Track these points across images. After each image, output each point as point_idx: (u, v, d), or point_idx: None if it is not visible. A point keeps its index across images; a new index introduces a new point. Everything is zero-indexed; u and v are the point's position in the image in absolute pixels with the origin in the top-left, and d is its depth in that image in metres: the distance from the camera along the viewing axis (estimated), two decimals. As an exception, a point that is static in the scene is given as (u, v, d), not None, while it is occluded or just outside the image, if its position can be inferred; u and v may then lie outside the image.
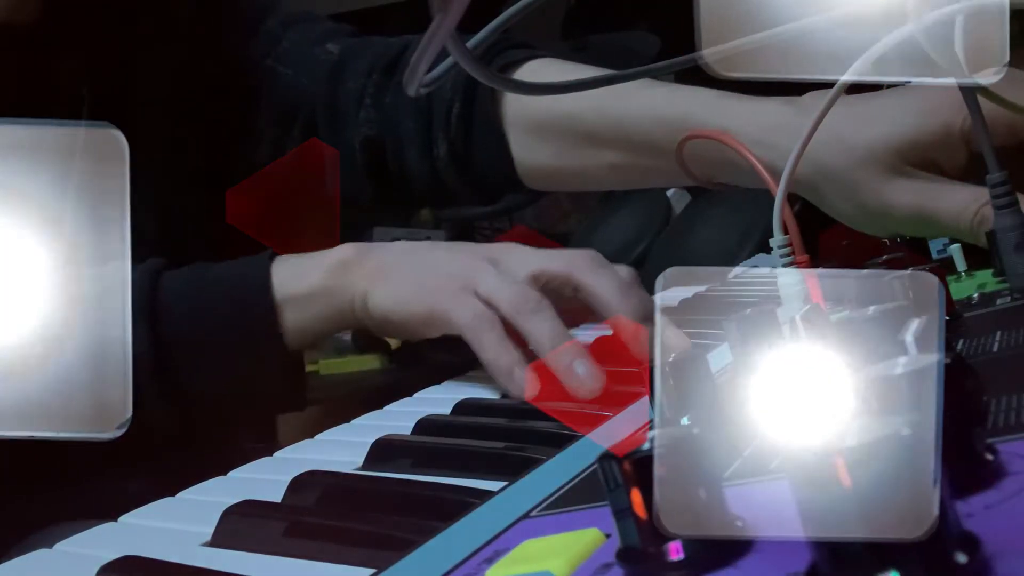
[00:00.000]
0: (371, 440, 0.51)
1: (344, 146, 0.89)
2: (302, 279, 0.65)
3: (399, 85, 0.87)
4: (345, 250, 0.66)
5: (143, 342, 0.61)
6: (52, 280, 0.58)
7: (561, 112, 0.80)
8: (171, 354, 0.64)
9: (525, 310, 0.59)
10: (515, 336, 0.60)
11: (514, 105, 0.83)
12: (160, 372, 0.63)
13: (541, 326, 0.59)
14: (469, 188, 0.88)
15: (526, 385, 0.57)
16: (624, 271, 0.65)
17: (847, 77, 0.52)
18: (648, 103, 0.75)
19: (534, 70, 0.82)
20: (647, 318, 0.60)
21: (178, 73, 0.84)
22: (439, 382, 0.66)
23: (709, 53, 0.53)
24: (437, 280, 0.62)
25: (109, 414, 0.53)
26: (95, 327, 0.58)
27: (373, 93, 0.87)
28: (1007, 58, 0.46)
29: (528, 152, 0.84)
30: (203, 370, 0.64)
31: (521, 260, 0.63)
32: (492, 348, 0.59)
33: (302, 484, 0.45)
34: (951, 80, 0.50)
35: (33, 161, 0.64)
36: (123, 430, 0.51)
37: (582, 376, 0.57)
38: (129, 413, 0.52)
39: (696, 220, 1.53)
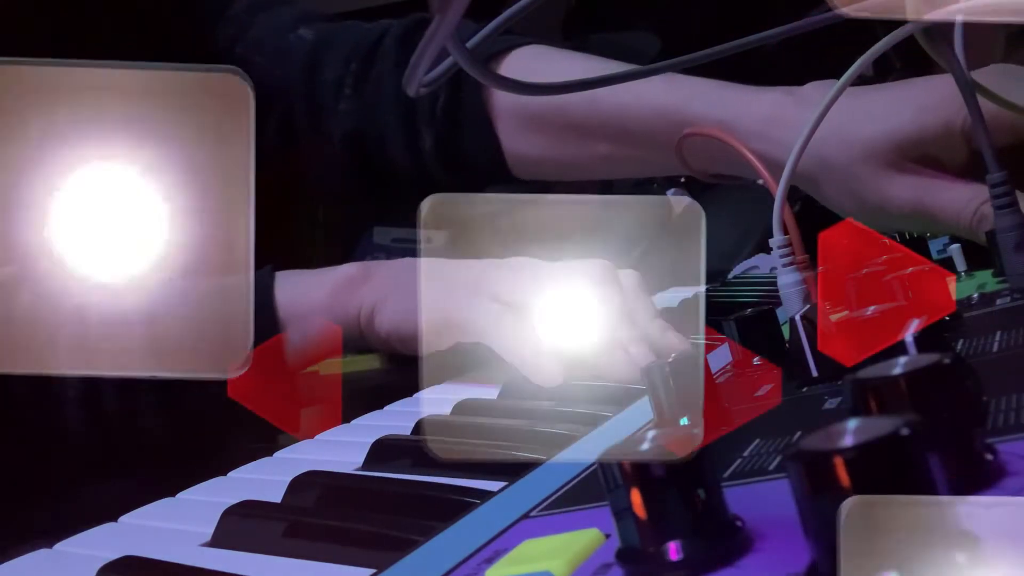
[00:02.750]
0: (371, 440, 0.51)
1: (324, 138, 0.86)
2: (305, 297, 0.65)
3: (379, 74, 0.85)
4: (349, 269, 0.65)
5: None
6: (181, 225, 0.59)
7: (552, 102, 0.78)
8: None
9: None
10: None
11: (503, 95, 0.81)
12: (159, 385, 0.63)
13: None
14: (457, 180, 0.86)
15: (553, 370, 0.57)
16: (629, 276, 0.64)
17: (849, 73, 0.52)
18: (644, 93, 0.74)
19: (523, 58, 0.80)
20: (648, 325, 0.60)
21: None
22: (439, 382, 0.66)
23: (708, 53, 0.53)
24: (449, 289, 0.62)
25: (230, 355, 0.54)
26: (220, 274, 0.59)
27: (352, 83, 0.85)
28: (1006, 58, 0.46)
29: (518, 142, 0.83)
30: (201, 385, 0.63)
31: (536, 266, 0.62)
32: (510, 340, 0.58)
33: (302, 484, 0.45)
34: (950, 80, 0.50)
35: (162, 104, 0.64)
36: (244, 369, 0.52)
37: (621, 366, 0.57)
38: (249, 351, 0.53)
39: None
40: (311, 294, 0.65)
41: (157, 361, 0.58)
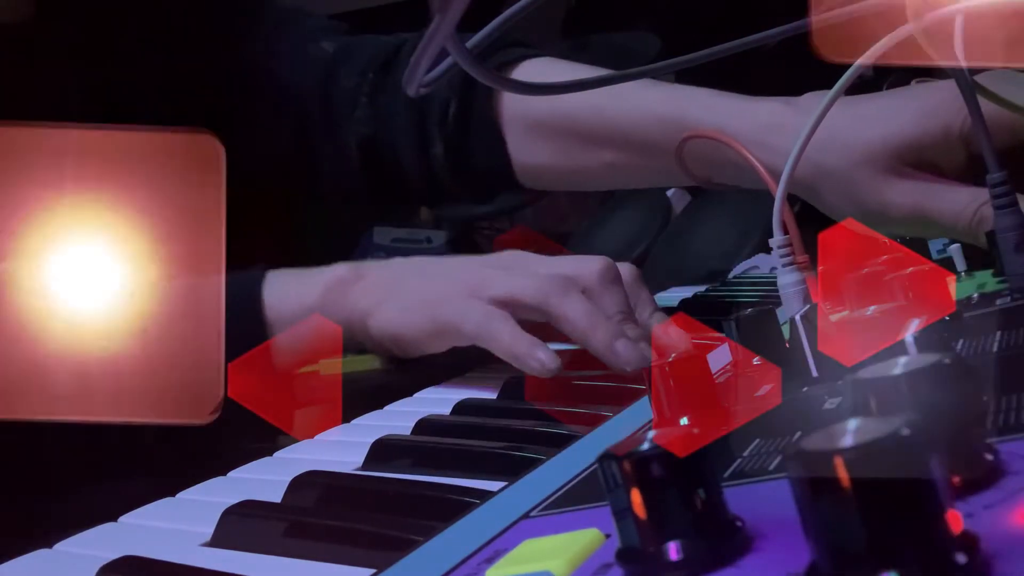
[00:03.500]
0: (371, 440, 0.51)
1: (339, 145, 0.88)
2: (295, 299, 0.64)
3: (395, 84, 0.87)
4: (339, 270, 0.65)
5: None
6: (152, 279, 0.59)
7: (559, 111, 0.80)
8: None
9: (554, 292, 0.59)
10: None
11: (511, 104, 0.83)
12: None
13: (575, 307, 0.58)
14: (465, 187, 0.87)
15: (549, 361, 0.56)
16: (627, 270, 0.65)
17: (847, 76, 0.52)
18: (646, 103, 0.75)
19: (531, 69, 0.82)
20: (649, 320, 0.60)
21: (170, 73, 0.84)
22: (439, 382, 0.66)
23: (708, 53, 0.53)
24: (442, 292, 0.61)
25: (202, 402, 0.54)
26: (192, 324, 0.59)
27: (368, 92, 0.87)
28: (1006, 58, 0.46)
29: (525, 151, 0.84)
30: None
31: (531, 262, 0.62)
32: (507, 337, 0.58)
33: (302, 484, 0.45)
34: (950, 80, 0.50)
35: (133, 165, 0.65)
36: (216, 415, 0.52)
37: (625, 354, 0.57)
38: (221, 399, 0.53)
39: (696, 220, 1.53)
40: (301, 295, 0.64)
41: (130, 408, 0.58)
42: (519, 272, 0.61)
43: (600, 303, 0.60)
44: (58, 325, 0.56)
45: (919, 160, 0.63)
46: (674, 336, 0.59)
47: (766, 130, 0.68)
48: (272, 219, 0.96)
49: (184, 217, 0.58)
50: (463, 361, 0.66)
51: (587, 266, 0.62)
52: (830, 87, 0.54)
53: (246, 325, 0.63)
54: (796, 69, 0.66)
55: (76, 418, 0.56)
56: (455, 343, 0.61)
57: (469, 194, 0.89)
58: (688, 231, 1.53)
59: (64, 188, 0.58)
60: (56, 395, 0.57)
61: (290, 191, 0.93)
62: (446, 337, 0.61)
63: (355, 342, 0.65)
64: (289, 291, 0.64)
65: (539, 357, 0.57)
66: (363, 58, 0.88)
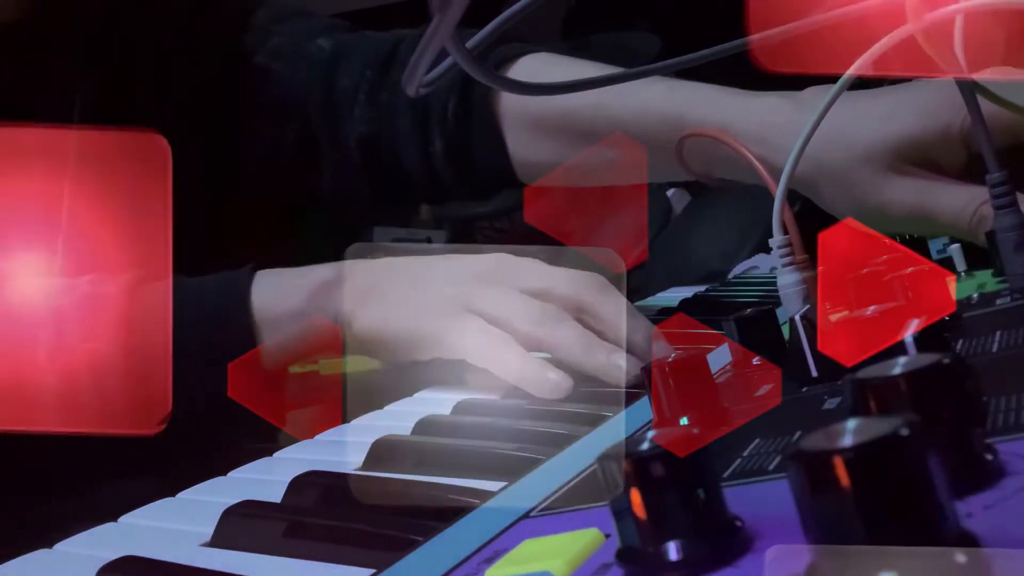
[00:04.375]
0: (371, 440, 0.51)
1: (340, 143, 0.88)
2: (283, 299, 0.63)
3: (394, 82, 0.87)
4: (328, 270, 0.64)
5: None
6: (96, 285, 0.59)
7: (558, 109, 0.79)
8: None
9: (548, 321, 0.58)
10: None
11: (511, 101, 0.83)
12: None
13: (569, 333, 0.58)
14: (465, 184, 0.87)
15: (561, 381, 0.56)
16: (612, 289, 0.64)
17: (848, 75, 0.52)
18: (646, 99, 0.75)
19: (529, 66, 0.81)
20: (656, 338, 0.60)
21: (169, 72, 0.84)
22: (439, 382, 0.66)
23: (708, 53, 0.53)
24: (432, 301, 0.60)
25: (150, 412, 0.54)
26: (137, 332, 0.59)
27: (368, 90, 0.87)
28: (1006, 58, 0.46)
29: (525, 148, 0.83)
30: (177, 388, 0.62)
31: (524, 277, 0.61)
32: (514, 362, 0.57)
33: (302, 484, 0.45)
34: (951, 79, 0.50)
35: (78, 165, 0.64)
36: (163, 426, 0.51)
37: (624, 367, 0.57)
38: (168, 410, 0.53)
39: (696, 220, 1.53)
40: (288, 296, 0.64)
41: (74, 419, 0.58)
42: (511, 292, 0.60)
43: (594, 323, 0.60)
44: (4, 333, 0.56)
45: (920, 158, 0.63)
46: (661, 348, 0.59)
47: (767, 126, 0.68)
48: (271, 219, 0.96)
49: (130, 219, 0.57)
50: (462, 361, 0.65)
51: (579, 284, 0.61)
52: (831, 84, 0.54)
53: (233, 325, 0.62)
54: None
55: (18, 428, 0.56)
56: (443, 356, 0.61)
57: (469, 191, 0.89)
58: (688, 231, 1.53)
59: (8, 188, 0.57)
60: (5, 406, 0.57)
61: (290, 190, 0.93)
62: (434, 349, 0.61)
63: (340, 344, 0.64)
64: (277, 291, 0.64)
65: (551, 378, 0.56)
66: (361, 56, 0.88)
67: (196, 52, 0.87)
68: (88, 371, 0.58)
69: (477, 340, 0.58)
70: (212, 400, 0.62)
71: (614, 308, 0.60)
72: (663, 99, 0.74)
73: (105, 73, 0.79)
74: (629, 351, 0.58)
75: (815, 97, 0.67)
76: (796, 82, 0.70)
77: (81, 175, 0.64)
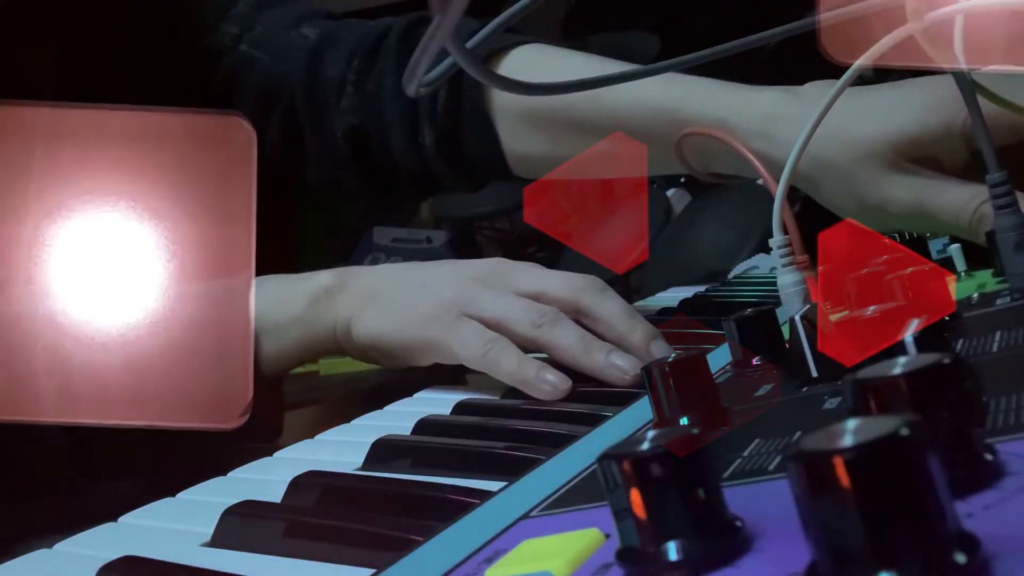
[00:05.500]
0: (371, 440, 0.51)
1: (326, 134, 0.86)
2: (281, 306, 0.63)
3: (381, 70, 0.85)
4: (326, 276, 0.64)
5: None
6: (181, 275, 0.59)
7: (551, 101, 0.78)
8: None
9: (545, 322, 0.58)
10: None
11: (502, 93, 0.81)
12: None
13: (567, 334, 0.58)
14: (457, 176, 0.86)
15: (560, 383, 0.56)
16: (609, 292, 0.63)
17: (850, 72, 0.52)
18: (644, 93, 0.74)
19: (524, 56, 0.80)
20: (655, 339, 0.60)
21: (149, 61, 0.82)
22: (439, 382, 0.66)
23: (708, 53, 0.53)
24: (430, 307, 0.60)
25: (231, 406, 0.54)
26: (221, 326, 0.59)
27: (354, 80, 0.85)
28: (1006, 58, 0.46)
29: (518, 140, 0.82)
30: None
31: (520, 280, 0.61)
32: (512, 363, 0.57)
33: (302, 484, 0.45)
34: (950, 80, 0.50)
35: (163, 148, 0.64)
36: (244, 419, 0.52)
37: (624, 366, 0.57)
38: (248, 402, 0.53)
39: (696, 220, 1.53)
40: (286, 303, 0.63)
41: (155, 412, 0.58)
42: (508, 295, 0.60)
43: (592, 325, 0.60)
44: (85, 324, 0.57)
45: (920, 155, 0.63)
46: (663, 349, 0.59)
47: (767, 121, 0.67)
48: (269, 217, 0.95)
49: (215, 207, 0.57)
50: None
51: (576, 286, 0.61)
52: (832, 75, 0.54)
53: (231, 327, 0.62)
54: (797, 65, 0.66)
55: (101, 422, 0.57)
56: (442, 361, 0.61)
57: (461, 183, 0.88)
58: (688, 231, 1.53)
59: (91, 172, 0.58)
60: (83, 399, 0.58)
61: (278, 183, 0.92)
62: (433, 354, 0.61)
63: (339, 349, 0.64)
64: (275, 298, 0.64)
65: (550, 380, 0.56)
66: (348, 45, 0.86)
67: (175, 43, 0.85)
68: (174, 367, 0.58)
69: (475, 344, 0.58)
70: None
71: (612, 309, 0.60)
72: (660, 92, 0.73)
73: (80, 66, 0.77)
74: (628, 351, 0.58)
75: (815, 91, 0.67)
76: (795, 78, 0.70)
77: (163, 159, 0.65)
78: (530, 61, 0.80)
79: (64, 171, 0.59)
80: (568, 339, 0.58)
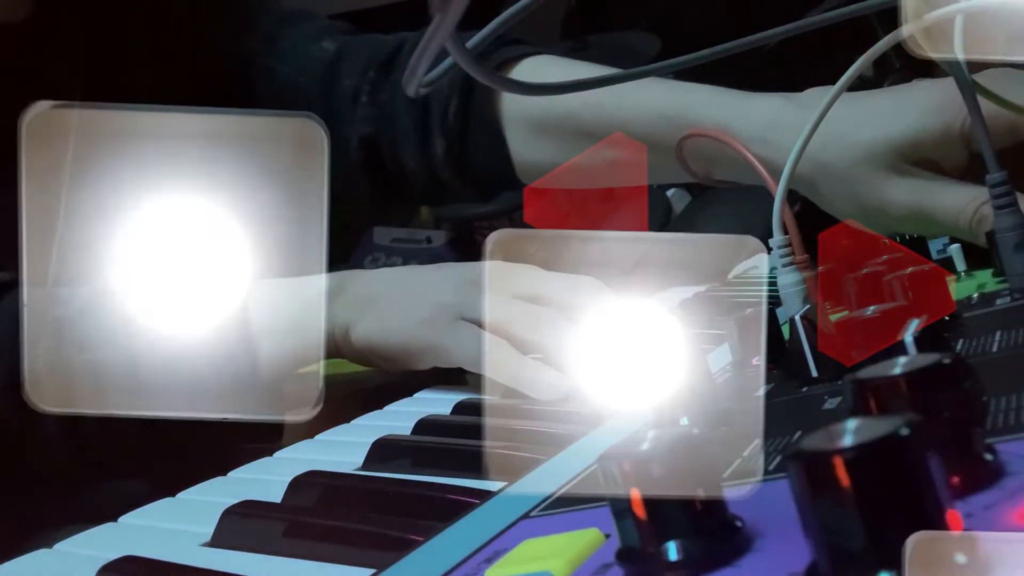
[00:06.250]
0: (371, 440, 0.51)
1: (340, 143, 0.88)
2: (280, 310, 0.63)
3: (395, 82, 0.87)
4: (324, 280, 0.64)
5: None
6: (258, 272, 0.61)
7: (559, 109, 0.79)
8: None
9: (543, 326, 0.58)
10: None
11: (512, 103, 0.83)
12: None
13: (563, 336, 0.58)
14: (466, 185, 0.87)
15: (559, 384, 0.56)
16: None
17: (848, 75, 0.52)
18: (646, 100, 0.75)
19: (531, 67, 0.82)
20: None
21: (173, 72, 0.84)
22: (439, 382, 0.66)
23: (708, 53, 0.53)
24: (428, 311, 0.61)
25: (305, 398, 0.55)
26: (295, 319, 0.60)
27: (369, 91, 0.87)
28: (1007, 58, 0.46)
29: (526, 149, 0.84)
30: (176, 398, 0.63)
31: (517, 283, 0.61)
32: (511, 365, 0.57)
33: (302, 484, 0.45)
34: (951, 79, 0.50)
35: (238, 149, 0.66)
36: (317, 410, 0.53)
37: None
38: (321, 393, 0.54)
39: (696, 220, 1.53)
40: (285, 307, 0.64)
41: (230, 404, 0.59)
42: (505, 298, 0.60)
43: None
44: (167, 322, 0.58)
45: (920, 158, 0.63)
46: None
47: (767, 126, 0.68)
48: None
49: (290, 207, 0.58)
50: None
51: (572, 287, 0.61)
52: (833, 76, 0.54)
53: (231, 334, 0.62)
54: (797, 65, 0.66)
55: (181, 415, 0.58)
56: (441, 364, 0.61)
57: (470, 192, 0.89)
58: (688, 231, 1.53)
59: (168, 172, 0.59)
60: (162, 391, 0.59)
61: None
62: (432, 358, 0.61)
63: (338, 353, 0.64)
64: (275, 302, 0.64)
65: (549, 382, 0.56)
66: (364, 57, 0.89)
67: (199, 54, 0.87)
68: (254, 361, 0.60)
69: (473, 348, 0.58)
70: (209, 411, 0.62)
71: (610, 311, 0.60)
72: (663, 100, 0.74)
73: (105, 75, 0.79)
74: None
75: (816, 98, 0.67)
76: (796, 83, 0.70)
77: (241, 159, 0.65)
78: (539, 71, 0.81)
79: (146, 171, 0.60)
80: (565, 342, 0.58)
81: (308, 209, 0.53)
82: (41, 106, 0.52)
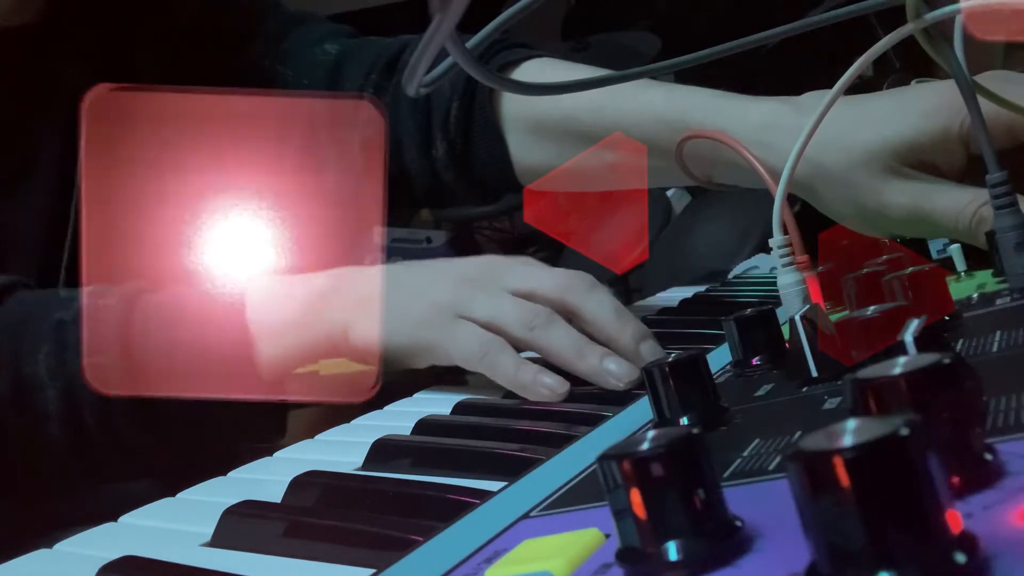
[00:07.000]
0: (371, 440, 0.51)
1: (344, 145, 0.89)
2: (279, 309, 0.63)
3: (397, 85, 0.87)
4: (322, 279, 0.64)
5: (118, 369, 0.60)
6: (311, 253, 0.61)
7: (559, 112, 0.80)
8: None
9: (539, 324, 0.58)
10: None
11: (513, 105, 0.83)
12: (135, 399, 0.62)
13: (560, 337, 0.58)
14: (467, 188, 0.88)
15: (557, 386, 0.56)
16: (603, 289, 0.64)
17: (846, 77, 0.52)
18: (646, 103, 0.75)
19: (532, 70, 0.82)
20: (644, 339, 0.60)
21: (179, 74, 0.84)
22: (439, 382, 0.66)
23: (708, 53, 0.53)
24: (425, 310, 0.61)
25: (363, 381, 0.56)
26: (353, 299, 0.61)
27: (372, 93, 0.88)
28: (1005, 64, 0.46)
29: (526, 152, 0.84)
30: (176, 399, 0.62)
31: (512, 279, 0.61)
32: (509, 366, 0.58)
33: (302, 484, 0.45)
34: (950, 80, 0.50)
35: (300, 130, 0.66)
36: (375, 392, 0.53)
37: (617, 372, 0.57)
38: (378, 376, 0.55)
39: (696, 220, 1.53)
40: (284, 307, 0.64)
41: (301, 389, 0.60)
42: (501, 295, 0.60)
43: (582, 325, 0.60)
44: (230, 302, 0.61)
45: (918, 160, 0.63)
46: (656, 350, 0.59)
47: (766, 130, 0.68)
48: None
49: (348, 190, 0.59)
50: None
51: (567, 284, 0.61)
52: (829, 87, 0.54)
53: (230, 332, 0.62)
54: (797, 66, 0.66)
55: (245, 397, 0.60)
56: (439, 363, 0.61)
57: (471, 195, 0.90)
58: (688, 231, 1.53)
59: (227, 154, 0.59)
60: (225, 375, 0.61)
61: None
62: (430, 357, 0.61)
63: (337, 352, 0.64)
64: (273, 301, 0.64)
65: (547, 383, 0.57)
66: (366, 60, 0.89)
67: (205, 57, 0.87)
68: (317, 345, 0.61)
69: (471, 347, 0.58)
70: (210, 412, 0.62)
71: (600, 309, 0.60)
72: (663, 103, 0.74)
73: (113, 79, 0.79)
74: (617, 352, 0.58)
75: (814, 101, 0.67)
76: (794, 87, 0.70)
77: (307, 138, 0.66)
78: (540, 73, 0.81)
79: (220, 152, 0.60)
80: (561, 342, 0.58)
81: (366, 181, 0.54)
82: (101, 88, 0.53)
